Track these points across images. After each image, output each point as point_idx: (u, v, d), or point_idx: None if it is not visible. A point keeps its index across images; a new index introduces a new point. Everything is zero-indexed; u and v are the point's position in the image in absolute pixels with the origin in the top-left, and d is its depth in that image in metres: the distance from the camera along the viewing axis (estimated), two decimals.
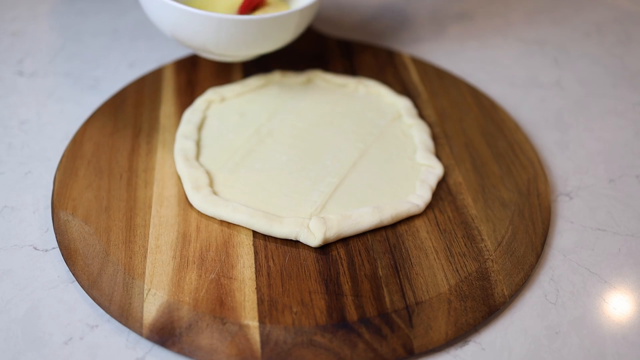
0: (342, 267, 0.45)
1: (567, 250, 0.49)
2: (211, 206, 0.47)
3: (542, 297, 0.45)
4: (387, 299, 0.42)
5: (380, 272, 0.44)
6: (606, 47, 0.74)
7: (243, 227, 0.47)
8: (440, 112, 0.60)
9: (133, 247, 0.45)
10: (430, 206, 0.50)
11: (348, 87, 0.62)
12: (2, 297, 0.43)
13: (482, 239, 0.47)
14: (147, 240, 0.46)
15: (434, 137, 0.57)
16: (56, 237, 0.46)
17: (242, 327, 0.40)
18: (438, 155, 0.55)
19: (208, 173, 0.51)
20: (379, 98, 0.61)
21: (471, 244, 0.47)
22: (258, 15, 0.52)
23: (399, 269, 0.45)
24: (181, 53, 0.68)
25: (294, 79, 0.62)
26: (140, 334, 0.40)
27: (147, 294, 0.42)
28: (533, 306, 0.44)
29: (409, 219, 0.49)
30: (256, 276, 0.44)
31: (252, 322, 0.41)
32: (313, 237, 0.45)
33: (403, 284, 0.44)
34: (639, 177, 0.56)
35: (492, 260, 0.46)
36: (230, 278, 0.43)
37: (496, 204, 0.50)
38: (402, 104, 0.59)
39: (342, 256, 0.45)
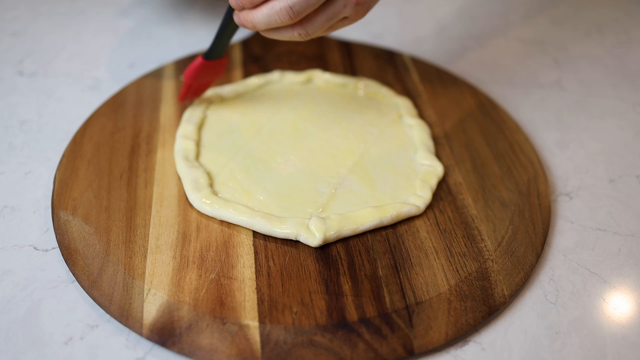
0: (342, 267, 0.45)
1: (567, 250, 0.49)
2: (211, 206, 0.47)
3: (542, 297, 0.45)
4: (387, 299, 0.42)
5: (380, 272, 0.44)
6: (606, 47, 0.74)
7: (243, 227, 0.47)
8: (440, 112, 0.60)
9: (133, 247, 0.45)
10: (430, 206, 0.50)
11: (348, 87, 0.62)
12: (2, 297, 0.43)
13: (482, 239, 0.47)
14: (147, 240, 0.46)
15: (434, 137, 0.57)
16: (56, 237, 0.46)
17: (242, 327, 0.40)
18: (438, 155, 0.55)
19: (208, 173, 0.51)
20: (379, 98, 0.61)
21: (471, 244, 0.47)
22: None
23: (399, 269, 0.45)
24: (181, 53, 0.68)
25: (294, 79, 0.62)
26: (140, 334, 0.40)
27: (147, 294, 0.42)
28: (533, 306, 0.44)
29: (409, 219, 0.49)
30: (256, 276, 0.44)
31: (252, 322, 0.41)
32: (313, 237, 0.45)
33: (403, 284, 0.44)
34: (639, 177, 0.56)
35: (492, 260, 0.46)
36: (230, 278, 0.43)
37: (496, 204, 0.50)
38: (402, 104, 0.59)
39: (342, 256, 0.45)
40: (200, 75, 0.54)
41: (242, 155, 0.53)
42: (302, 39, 0.45)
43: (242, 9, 0.44)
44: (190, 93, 0.56)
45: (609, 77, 0.69)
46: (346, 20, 0.45)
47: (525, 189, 0.52)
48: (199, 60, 0.53)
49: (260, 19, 0.43)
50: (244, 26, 0.45)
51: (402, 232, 0.48)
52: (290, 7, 0.42)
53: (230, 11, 0.48)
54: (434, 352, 0.41)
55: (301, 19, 0.43)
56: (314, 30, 0.44)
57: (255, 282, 0.43)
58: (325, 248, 0.46)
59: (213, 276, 0.43)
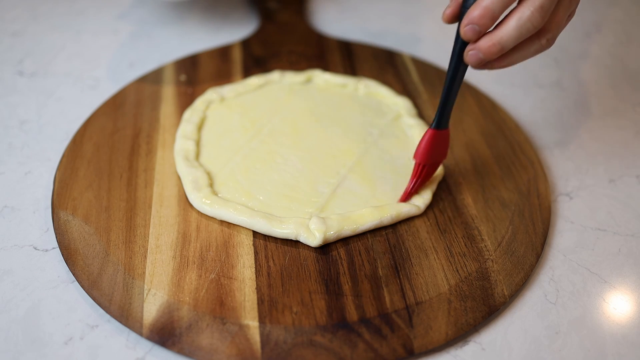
0: (342, 267, 0.45)
1: (567, 250, 0.49)
2: (211, 206, 0.47)
3: (542, 297, 0.45)
4: (387, 299, 0.42)
5: (380, 272, 0.44)
6: (606, 47, 0.74)
7: (243, 227, 0.47)
8: None
9: (133, 247, 0.45)
10: (430, 206, 0.50)
11: (348, 87, 0.62)
12: (2, 297, 0.43)
13: (482, 239, 0.47)
14: (147, 240, 0.46)
15: None
16: (56, 237, 0.46)
17: (242, 327, 0.40)
18: None
19: (208, 173, 0.51)
20: (379, 98, 0.61)
21: (471, 244, 0.47)
22: None
23: (399, 269, 0.45)
24: (181, 53, 0.68)
25: (294, 79, 0.62)
26: (140, 334, 0.40)
27: (147, 294, 0.42)
28: (533, 306, 0.44)
29: (409, 219, 0.49)
30: (256, 276, 0.44)
31: (252, 322, 0.41)
32: (313, 237, 0.45)
33: (403, 284, 0.44)
34: (639, 177, 0.56)
35: (492, 260, 0.46)
36: (230, 278, 0.43)
37: (496, 204, 0.50)
38: (402, 104, 0.59)
39: (342, 256, 0.45)
40: (432, 153, 0.47)
41: (242, 155, 0.53)
42: (546, 48, 0.40)
43: (479, 34, 0.38)
44: (420, 182, 0.48)
45: (609, 77, 0.69)
46: (569, 19, 0.41)
47: (525, 189, 0.52)
48: (429, 133, 0.45)
49: (510, 33, 0.38)
50: (486, 57, 0.39)
51: (402, 232, 0.48)
52: (541, 7, 0.37)
53: (458, 55, 0.41)
54: (434, 352, 0.41)
55: (544, 24, 0.39)
56: (559, 30, 0.40)
57: (255, 282, 0.43)
58: (325, 248, 0.46)
59: (213, 276, 0.43)
